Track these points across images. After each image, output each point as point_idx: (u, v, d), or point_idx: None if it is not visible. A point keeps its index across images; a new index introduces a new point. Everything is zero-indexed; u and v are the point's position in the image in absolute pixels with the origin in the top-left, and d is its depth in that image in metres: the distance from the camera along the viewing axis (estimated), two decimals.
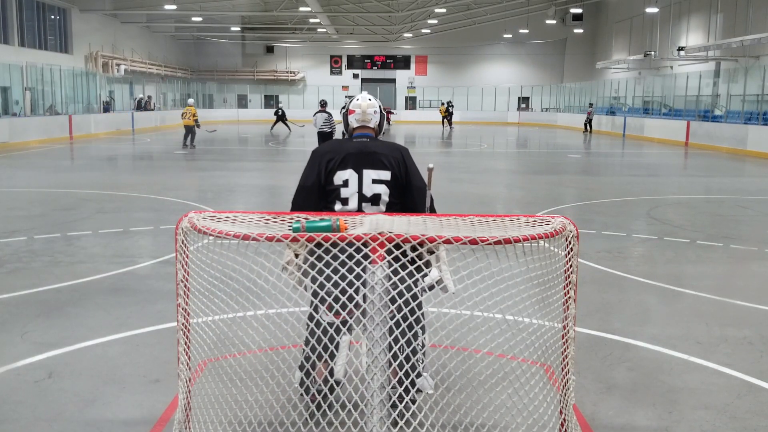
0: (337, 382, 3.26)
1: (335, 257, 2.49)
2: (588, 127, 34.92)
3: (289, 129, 32.26)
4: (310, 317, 3.33)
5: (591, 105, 36.42)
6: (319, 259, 2.62)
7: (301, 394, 3.45)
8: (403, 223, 2.68)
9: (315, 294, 2.82)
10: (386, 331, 2.50)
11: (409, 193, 3.55)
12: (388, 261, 2.46)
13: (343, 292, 2.49)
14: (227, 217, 2.77)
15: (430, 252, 2.64)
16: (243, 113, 46.85)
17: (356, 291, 2.52)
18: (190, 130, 22.10)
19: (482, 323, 3.46)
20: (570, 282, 2.78)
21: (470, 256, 2.55)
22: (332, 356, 3.18)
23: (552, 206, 10.59)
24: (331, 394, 3.15)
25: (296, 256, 2.99)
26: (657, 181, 15.27)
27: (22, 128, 23.48)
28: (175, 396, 3.63)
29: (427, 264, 2.76)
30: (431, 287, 3.06)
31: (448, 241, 2.37)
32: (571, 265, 2.77)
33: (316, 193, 3.51)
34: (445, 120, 38.57)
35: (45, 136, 24.55)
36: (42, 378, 4.05)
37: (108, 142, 25.54)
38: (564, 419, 2.90)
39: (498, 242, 2.38)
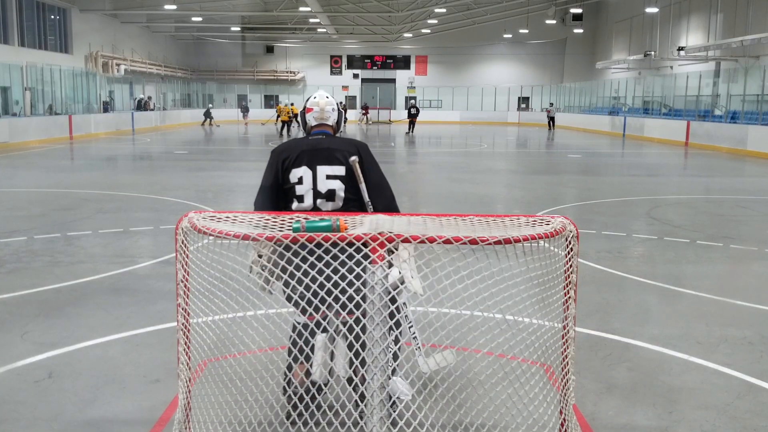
0: (319, 389, 3.23)
1: (297, 253, 2.48)
2: (551, 125, 38.72)
3: (211, 126, 38.98)
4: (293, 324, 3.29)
5: (551, 104, 41.17)
6: (283, 257, 2.59)
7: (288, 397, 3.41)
8: (403, 223, 2.67)
9: (285, 294, 2.80)
10: (386, 337, 2.48)
11: (367, 190, 3.53)
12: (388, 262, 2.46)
13: (312, 292, 2.48)
14: (227, 217, 2.77)
15: (390, 252, 2.59)
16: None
17: (327, 291, 2.51)
18: (285, 124, 29.08)
19: (482, 323, 3.46)
20: (570, 282, 2.78)
21: (470, 256, 2.55)
22: (307, 358, 3.16)
23: (552, 206, 10.59)
24: (307, 394, 3.15)
25: (260, 256, 2.95)
26: (657, 181, 15.27)
27: (22, 128, 23.48)
28: (175, 396, 3.63)
29: (389, 264, 2.70)
30: (395, 287, 3.01)
31: (448, 241, 2.37)
32: (571, 265, 2.77)
33: (275, 193, 3.53)
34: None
35: (45, 136, 24.54)
36: (42, 378, 4.05)
37: (108, 142, 25.54)
38: (564, 419, 2.90)
39: (498, 242, 2.38)
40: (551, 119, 38.98)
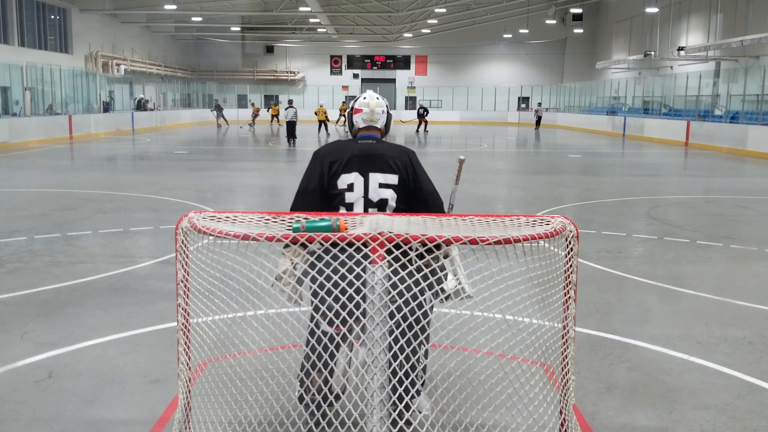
0: (337, 397, 3.19)
1: (334, 268, 2.42)
2: (538, 124, 39.91)
3: (226, 123, 38.84)
4: (311, 331, 3.19)
5: (539, 104, 42.70)
6: (319, 270, 2.55)
7: (305, 405, 3.37)
8: (403, 222, 2.67)
9: (313, 304, 2.76)
10: (386, 337, 2.46)
11: (420, 199, 3.40)
12: (389, 262, 2.44)
13: (342, 304, 2.44)
14: (227, 217, 2.77)
15: (445, 256, 2.55)
16: (243, 113, 46.82)
17: (355, 304, 2.46)
18: (322, 123, 29.77)
19: (482, 323, 3.46)
20: (570, 282, 2.78)
21: (470, 256, 2.55)
22: (326, 366, 3.09)
23: (552, 206, 10.58)
24: (324, 403, 3.11)
25: (294, 266, 2.90)
26: (657, 181, 15.27)
27: (22, 128, 23.48)
28: (175, 396, 3.63)
29: (442, 270, 2.64)
30: (448, 297, 2.98)
31: (448, 241, 2.37)
32: (571, 265, 2.77)
33: (318, 197, 3.33)
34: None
35: (45, 136, 24.55)
36: (42, 378, 4.05)
37: (108, 142, 25.54)
38: (564, 419, 2.90)
39: (498, 242, 2.38)
40: (539, 118, 39.98)
